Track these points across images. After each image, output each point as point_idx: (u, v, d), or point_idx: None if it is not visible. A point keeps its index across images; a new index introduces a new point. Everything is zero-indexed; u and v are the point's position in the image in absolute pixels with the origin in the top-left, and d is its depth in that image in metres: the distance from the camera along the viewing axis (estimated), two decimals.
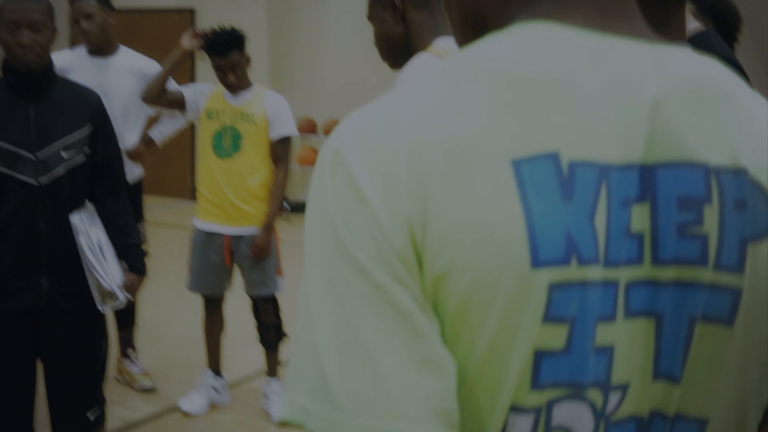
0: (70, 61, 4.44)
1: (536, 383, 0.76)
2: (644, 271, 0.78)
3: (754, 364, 0.83)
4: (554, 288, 0.74)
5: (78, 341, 3.07)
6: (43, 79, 2.97)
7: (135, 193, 4.60)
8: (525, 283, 0.74)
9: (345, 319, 0.73)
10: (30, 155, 2.92)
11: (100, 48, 4.46)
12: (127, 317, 4.64)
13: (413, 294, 0.74)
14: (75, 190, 3.01)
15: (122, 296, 3.06)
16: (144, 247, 4.56)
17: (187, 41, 4.26)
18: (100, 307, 3.04)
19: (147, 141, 4.73)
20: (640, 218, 0.78)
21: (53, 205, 2.95)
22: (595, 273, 0.76)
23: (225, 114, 4.24)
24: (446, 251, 0.74)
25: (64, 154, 2.96)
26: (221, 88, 4.26)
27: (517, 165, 0.74)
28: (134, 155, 4.59)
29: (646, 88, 0.79)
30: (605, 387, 0.78)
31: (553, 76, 0.78)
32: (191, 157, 9.24)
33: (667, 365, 0.80)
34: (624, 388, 0.79)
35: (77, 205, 3.02)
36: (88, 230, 2.98)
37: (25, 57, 2.88)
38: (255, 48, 8.10)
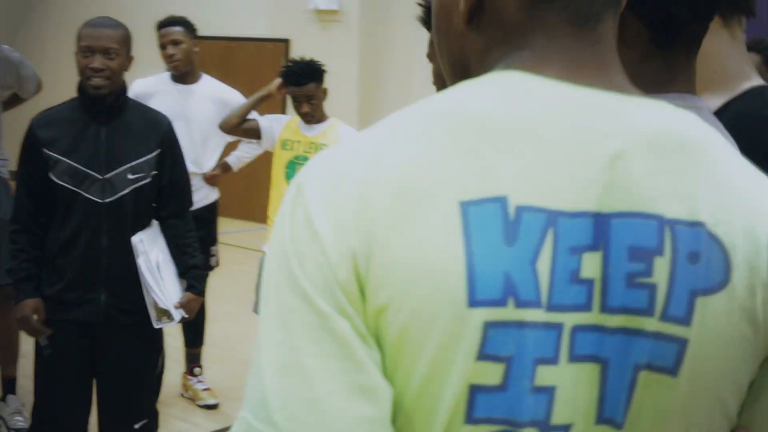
0: (154, 87, 4.60)
1: (470, 417, 0.78)
2: (592, 317, 0.79)
3: (701, 415, 0.83)
4: (489, 327, 0.77)
5: (132, 355, 3.17)
6: (114, 103, 3.10)
7: (210, 216, 4.73)
8: (460, 320, 0.76)
9: (287, 343, 0.78)
10: (98, 175, 3.05)
11: (184, 74, 4.61)
12: (195, 336, 4.75)
13: (354, 324, 0.77)
14: (139, 210, 3.13)
15: (177, 315, 3.15)
16: (213, 267, 4.71)
17: (275, 85, 4.36)
18: (155, 324, 3.15)
19: (224, 166, 4.85)
20: (591, 265, 0.79)
21: (116, 224, 3.07)
22: (535, 315, 0.78)
23: (299, 144, 4.31)
24: (387, 285, 0.77)
25: (130, 175, 3.08)
26: (297, 118, 4.34)
27: (465, 206, 0.78)
28: (211, 179, 4.71)
29: (608, 139, 0.81)
30: (545, 427, 0.80)
31: (515, 122, 0.81)
32: (267, 184, 9.42)
33: (610, 410, 0.81)
34: (566, 429, 0.81)
35: (141, 224, 3.14)
36: (148, 251, 3.10)
37: (95, 81, 3.02)
38: (345, 79, 8.25)
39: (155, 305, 3.13)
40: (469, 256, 0.77)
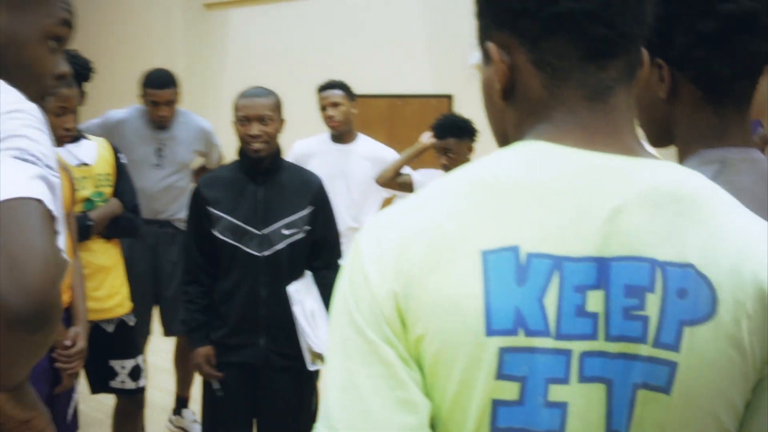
0: (315, 147, 4.88)
1: (495, 427, 0.96)
2: (598, 344, 0.96)
3: (696, 428, 0.97)
4: (504, 352, 0.94)
5: (289, 394, 3.42)
6: (270, 165, 3.41)
7: None
8: (480, 346, 0.95)
9: (345, 367, 0.98)
10: (255, 231, 3.35)
11: (342, 135, 4.86)
12: None
13: (397, 350, 0.97)
14: (294, 262, 3.40)
15: None
16: None
17: (426, 138, 4.59)
18: (309, 366, 3.40)
19: None
20: (595, 301, 0.96)
21: (273, 275, 3.36)
22: (544, 342, 0.95)
23: None
24: (423, 319, 0.95)
25: (285, 231, 3.36)
26: None
27: (485, 254, 0.95)
28: None
29: (610, 195, 0.97)
30: None
31: (531, 184, 0.98)
32: None
33: (617, 424, 0.96)
34: None
35: (296, 274, 3.41)
36: (303, 299, 3.36)
37: (255, 145, 3.34)
38: None
39: (310, 349, 3.38)
40: (487, 295, 0.94)
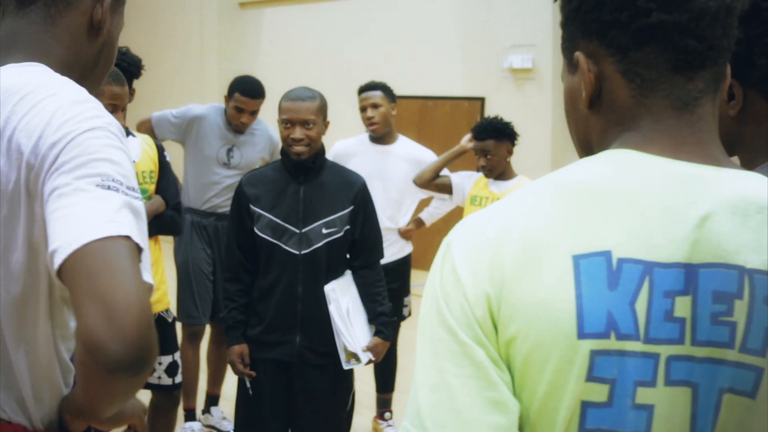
0: (354, 147, 4.90)
1: (583, 428, 0.98)
2: (684, 349, 0.97)
3: None
4: (595, 354, 0.96)
5: (323, 393, 3.42)
6: (312, 165, 3.41)
7: (404, 268, 4.96)
8: (572, 348, 0.96)
9: (436, 366, 1.00)
10: (295, 229, 3.35)
11: (382, 136, 4.86)
12: (386, 382, 4.98)
13: (488, 351, 0.99)
14: (332, 261, 3.40)
15: (365, 358, 3.39)
16: (405, 317, 4.92)
17: (466, 140, 4.61)
18: (344, 365, 3.40)
19: (417, 222, 5.07)
20: (682, 307, 0.97)
21: (311, 273, 3.36)
22: (634, 346, 0.96)
23: (486, 200, 4.48)
24: (515, 321, 0.98)
25: (324, 230, 3.36)
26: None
27: (576, 259, 0.98)
28: (405, 234, 4.94)
29: (698, 204, 0.99)
30: None
31: (620, 191, 1.00)
32: None
33: (701, 427, 0.97)
34: None
35: (334, 273, 3.42)
36: (339, 299, 3.36)
37: (297, 149, 3.34)
38: (538, 136, 8.37)
39: (345, 348, 3.38)
40: (579, 299, 0.96)
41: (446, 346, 0.99)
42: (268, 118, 4.89)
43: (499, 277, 0.99)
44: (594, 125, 1.10)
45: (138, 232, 1.14)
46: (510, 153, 4.46)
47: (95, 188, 1.14)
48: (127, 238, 1.11)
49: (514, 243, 0.99)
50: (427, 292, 1.05)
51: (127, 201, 1.15)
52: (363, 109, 4.85)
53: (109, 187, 1.15)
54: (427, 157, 4.90)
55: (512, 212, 1.03)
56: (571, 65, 1.12)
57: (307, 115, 3.33)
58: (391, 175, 4.83)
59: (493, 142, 4.38)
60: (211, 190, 4.80)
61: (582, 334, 0.96)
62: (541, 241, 0.99)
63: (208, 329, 4.98)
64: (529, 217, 1.01)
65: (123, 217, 1.13)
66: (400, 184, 4.85)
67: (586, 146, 1.13)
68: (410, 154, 4.91)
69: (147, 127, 4.84)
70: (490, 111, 8.40)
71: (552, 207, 1.01)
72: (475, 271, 1.00)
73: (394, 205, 4.88)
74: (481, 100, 9.38)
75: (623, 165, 1.02)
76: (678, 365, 0.96)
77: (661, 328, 0.96)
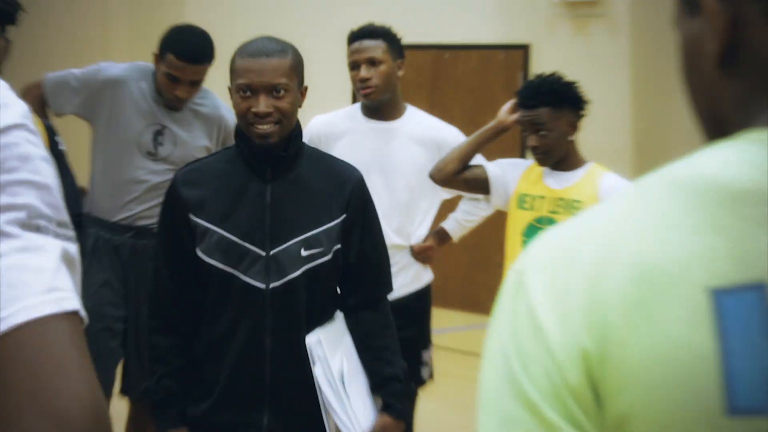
0: (341, 125, 4.82)
1: None
2: None
3: None
4: None
5: None
6: (284, 154, 3.29)
7: (421, 306, 4.90)
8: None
9: None
10: (260, 251, 3.25)
11: (382, 107, 4.76)
12: None
13: None
14: (316, 298, 3.31)
15: None
16: (425, 381, 4.81)
17: (505, 111, 4.48)
18: None
19: (439, 234, 4.99)
20: None
21: (285, 318, 3.26)
22: None
23: (542, 201, 4.38)
24: (627, 391, 0.96)
25: (303, 251, 3.26)
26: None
27: (716, 294, 0.95)
28: (422, 254, 4.83)
29: None
30: None
31: None
32: (500, 260, 9.55)
33: None
34: None
35: (319, 319, 3.32)
36: (329, 356, 3.25)
37: (261, 128, 3.19)
38: (611, 103, 8.33)
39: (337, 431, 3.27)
40: (725, 356, 0.93)
41: (525, 429, 0.98)
42: (218, 89, 4.80)
43: (601, 325, 0.97)
44: (729, 93, 1.08)
45: (75, 287, 1.18)
46: (575, 129, 4.35)
47: (21, 232, 1.16)
48: (74, 314, 1.15)
49: (623, 272, 0.98)
50: (492, 347, 1.04)
51: (63, 249, 1.18)
52: (354, 66, 4.75)
53: (38, 228, 1.17)
54: (449, 137, 4.82)
55: (616, 226, 1.02)
56: (687, 5, 1.10)
57: (274, 77, 3.21)
58: (397, 165, 4.75)
59: (548, 111, 4.28)
60: (130, 191, 4.76)
61: (732, 409, 0.93)
62: (664, 270, 0.97)
63: (124, 408, 4.88)
64: (641, 233, 1.00)
65: (63, 279, 1.16)
66: (412, 180, 4.77)
67: (715, 124, 1.11)
68: (425, 134, 4.82)
69: (36, 96, 4.79)
70: (539, 66, 8.37)
71: (676, 218, 0.99)
72: (563, 315, 0.99)
73: (403, 210, 4.79)
74: (525, 48, 9.39)
75: None
76: None
77: None
